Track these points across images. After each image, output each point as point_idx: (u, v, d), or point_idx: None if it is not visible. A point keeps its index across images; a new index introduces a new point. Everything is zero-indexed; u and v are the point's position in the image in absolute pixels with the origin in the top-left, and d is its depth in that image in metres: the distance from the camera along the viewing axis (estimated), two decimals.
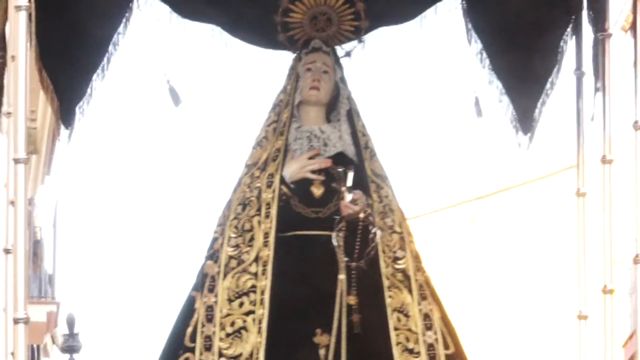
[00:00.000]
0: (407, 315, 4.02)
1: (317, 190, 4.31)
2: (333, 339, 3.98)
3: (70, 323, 4.41)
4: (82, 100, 5.32)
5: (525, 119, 4.72)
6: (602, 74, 4.42)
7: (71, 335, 4.43)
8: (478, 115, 4.59)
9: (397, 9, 4.76)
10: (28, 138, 4.00)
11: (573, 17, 4.63)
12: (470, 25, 4.72)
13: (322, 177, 4.31)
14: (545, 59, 4.70)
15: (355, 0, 4.56)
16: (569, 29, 4.65)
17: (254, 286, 4.04)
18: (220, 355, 3.92)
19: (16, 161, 4.04)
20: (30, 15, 3.95)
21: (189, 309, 4.09)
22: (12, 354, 3.73)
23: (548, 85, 4.71)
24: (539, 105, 4.72)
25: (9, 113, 4.30)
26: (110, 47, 4.93)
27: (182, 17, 4.81)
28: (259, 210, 4.19)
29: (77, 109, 5.48)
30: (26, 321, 3.77)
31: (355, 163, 4.34)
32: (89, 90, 5.57)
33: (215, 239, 4.22)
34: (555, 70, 4.69)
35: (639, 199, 3.91)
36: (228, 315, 3.98)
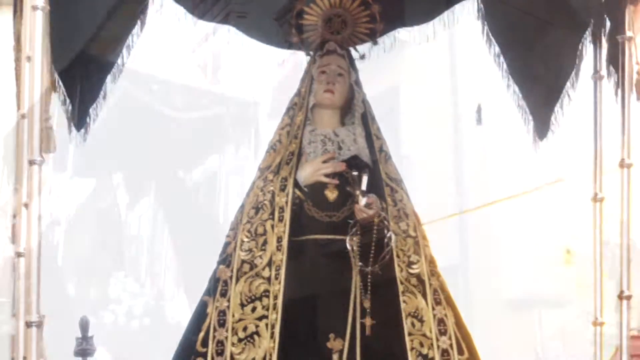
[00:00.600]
0: (421, 321, 3.97)
1: (331, 194, 4.27)
2: (346, 344, 3.94)
3: (84, 326, 4.43)
4: (95, 101, 5.35)
5: (541, 124, 4.67)
6: (621, 77, 4.36)
7: (84, 339, 4.46)
8: (477, 123, 4.56)
9: (412, 12, 4.72)
10: (48, 138, 4.02)
11: (591, 20, 4.55)
12: (487, 29, 4.68)
13: (336, 181, 4.27)
14: (563, 62, 4.64)
15: (370, 3, 4.52)
16: (587, 32, 4.59)
17: (266, 291, 4.00)
18: None
19: (31, 162, 4.03)
20: (46, 15, 3.94)
21: (201, 314, 4.06)
22: (25, 358, 3.71)
23: (565, 90, 4.64)
24: (555, 109, 4.67)
25: (23, 115, 4.29)
26: (124, 49, 4.93)
27: (198, 19, 4.83)
28: (272, 214, 4.15)
29: (90, 111, 5.51)
30: (39, 325, 3.75)
31: (369, 167, 4.29)
32: (102, 92, 5.62)
33: (227, 243, 4.19)
34: (573, 74, 4.63)
35: None
36: (240, 320, 3.93)
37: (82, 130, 5.37)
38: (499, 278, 7.51)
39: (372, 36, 4.68)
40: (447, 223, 7.78)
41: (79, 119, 5.27)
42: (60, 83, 5.69)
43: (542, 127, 4.68)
